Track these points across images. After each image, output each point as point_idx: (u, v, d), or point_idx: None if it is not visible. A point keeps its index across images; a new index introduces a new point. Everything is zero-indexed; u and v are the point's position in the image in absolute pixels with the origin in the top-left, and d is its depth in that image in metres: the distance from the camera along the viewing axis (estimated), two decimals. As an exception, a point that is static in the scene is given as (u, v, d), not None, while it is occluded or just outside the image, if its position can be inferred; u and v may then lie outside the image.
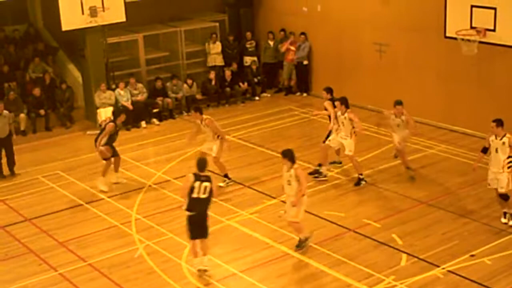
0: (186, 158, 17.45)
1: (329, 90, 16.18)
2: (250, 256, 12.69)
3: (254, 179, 16.08)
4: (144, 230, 13.83)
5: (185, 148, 17.55)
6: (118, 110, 16.89)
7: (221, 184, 15.53)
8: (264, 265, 12.40)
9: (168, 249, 12.96)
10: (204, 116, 15.42)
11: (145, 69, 21.58)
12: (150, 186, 15.97)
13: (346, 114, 15.26)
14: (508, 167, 13.00)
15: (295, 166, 12.33)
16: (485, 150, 13.37)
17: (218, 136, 15.45)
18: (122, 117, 15.85)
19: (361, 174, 15.55)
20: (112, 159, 15.82)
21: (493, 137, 13.08)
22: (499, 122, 12.97)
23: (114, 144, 15.81)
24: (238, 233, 13.63)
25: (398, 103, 15.22)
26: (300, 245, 12.71)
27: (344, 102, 15.36)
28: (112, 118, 15.98)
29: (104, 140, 15.52)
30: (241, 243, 13.19)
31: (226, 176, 15.73)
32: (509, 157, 12.97)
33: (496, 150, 13.02)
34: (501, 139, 12.95)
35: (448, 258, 12.28)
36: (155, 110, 20.61)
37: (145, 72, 21.56)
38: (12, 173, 16.87)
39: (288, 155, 12.38)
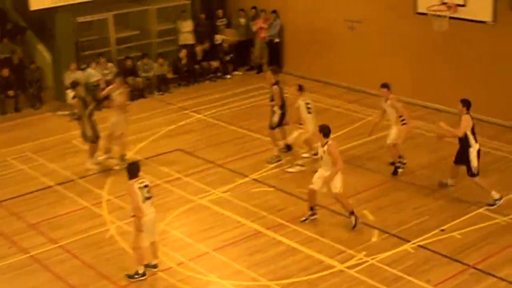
0: (157, 137, 17.39)
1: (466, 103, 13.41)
2: (222, 235, 12.69)
3: (226, 157, 16.04)
4: (115, 210, 13.73)
5: (158, 127, 17.52)
6: (73, 82, 16.35)
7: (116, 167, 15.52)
8: (236, 243, 12.41)
9: (139, 229, 12.87)
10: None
11: (116, 48, 21.37)
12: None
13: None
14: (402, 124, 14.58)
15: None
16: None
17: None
18: (79, 89, 15.73)
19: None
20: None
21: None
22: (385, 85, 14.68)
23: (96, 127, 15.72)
24: (210, 211, 13.61)
25: None
26: (133, 276, 11.33)
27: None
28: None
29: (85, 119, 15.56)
30: (213, 222, 13.18)
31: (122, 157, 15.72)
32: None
33: (385, 111, 14.74)
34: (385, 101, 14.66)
35: (419, 233, 12.39)
36: (125, 90, 20.43)
37: (116, 51, 21.35)
38: None
39: None
